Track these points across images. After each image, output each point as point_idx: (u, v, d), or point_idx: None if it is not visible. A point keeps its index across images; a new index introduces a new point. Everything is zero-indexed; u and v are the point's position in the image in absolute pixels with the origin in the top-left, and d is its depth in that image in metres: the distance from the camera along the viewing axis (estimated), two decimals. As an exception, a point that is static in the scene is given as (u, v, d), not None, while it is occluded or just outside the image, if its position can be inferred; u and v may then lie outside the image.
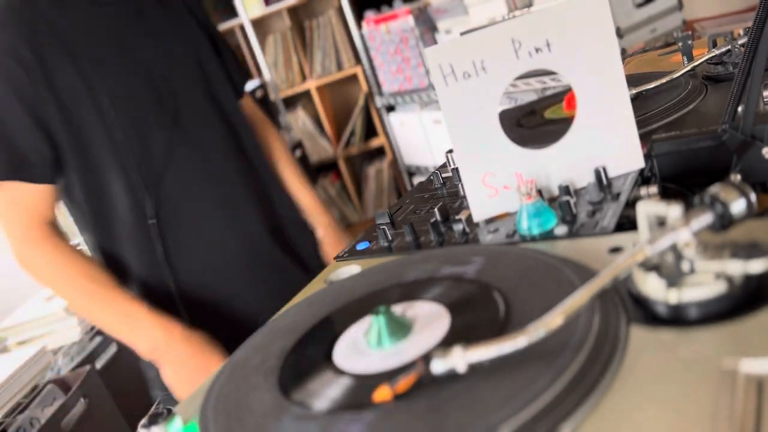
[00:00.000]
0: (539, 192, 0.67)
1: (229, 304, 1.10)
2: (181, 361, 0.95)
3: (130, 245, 1.04)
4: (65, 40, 0.98)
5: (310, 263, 1.19)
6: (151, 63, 1.05)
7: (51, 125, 0.97)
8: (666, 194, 0.71)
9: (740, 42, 0.92)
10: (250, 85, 3.18)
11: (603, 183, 0.68)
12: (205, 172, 1.08)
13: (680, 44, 1.04)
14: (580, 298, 0.42)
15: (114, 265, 1.06)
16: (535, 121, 1.00)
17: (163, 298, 1.05)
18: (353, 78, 3.34)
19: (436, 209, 0.75)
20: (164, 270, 1.05)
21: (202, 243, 1.08)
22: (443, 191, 0.88)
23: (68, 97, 0.97)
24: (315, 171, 3.53)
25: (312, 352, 0.53)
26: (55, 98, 0.96)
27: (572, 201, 0.65)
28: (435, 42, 2.72)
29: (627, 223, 0.61)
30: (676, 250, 0.43)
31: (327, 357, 0.51)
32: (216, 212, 1.09)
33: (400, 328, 0.50)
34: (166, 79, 1.06)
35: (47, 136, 0.97)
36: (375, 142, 3.39)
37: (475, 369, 0.42)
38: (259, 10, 3.31)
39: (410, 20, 2.73)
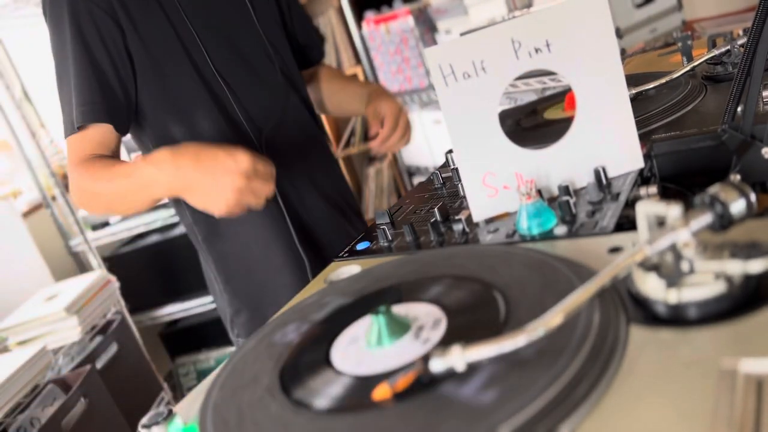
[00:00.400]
0: (539, 192, 0.67)
1: (328, 243, 1.14)
2: (186, 180, 0.88)
3: None
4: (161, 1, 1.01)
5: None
6: (240, 27, 1.09)
7: (139, 75, 1.00)
8: (665, 194, 0.72)
9: (739, 42, 0.92)
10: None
11: (603, 183, 0.68)
12: (292, 134, 1.13)
13: (680, 44, 1.05)
14: (579, 297, 0.42)
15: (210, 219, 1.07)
16: (535, 121, 1.00)
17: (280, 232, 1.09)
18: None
19: (436, 209, 0.75)
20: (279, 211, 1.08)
21: (302, 189, 1.12)
22: (443, 191, 0.88)
23: (159, 48, 1.00)
24: (315, 171, 3.52)
25: (312, 352, 0.53)
26: (145, 48, 0.99)
27: (572, 201, 0.65)
28: (435, 42, 2.72)
29: (626, 223, 0.61)
30: (676, 250, 0.43)
31: (327, 357, 0.51)
32: (305, 166, 1.13)
33: (400, 328, 0.50)
34: (254, 42, 1.10)
35: (134, 89, 1.01)
36: (375, 143, 3.38)
37: (475, 368, 0.42)
38: (259, 10, 3.30)
39: (410, 20, 2.73)
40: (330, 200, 1.18)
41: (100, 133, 0.99)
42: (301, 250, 1.10)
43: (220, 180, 0.85)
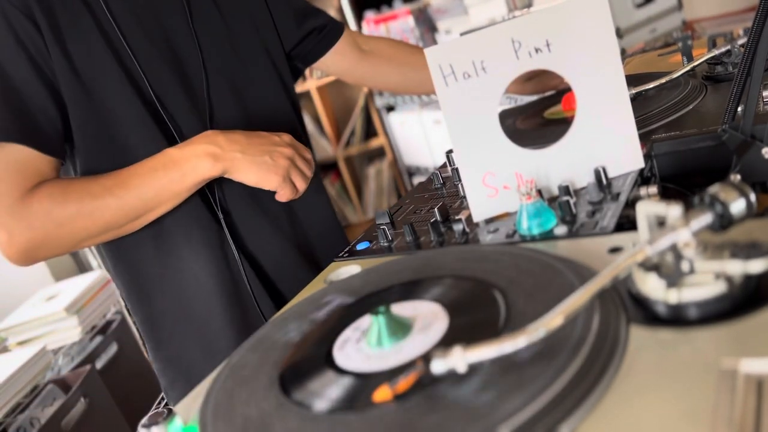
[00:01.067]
0: (539, 192, 0.67)
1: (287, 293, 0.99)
2: (238, 152, 0.84)
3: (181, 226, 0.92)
4: (90, 4, 0.86)
5: None
6: (180, 42, 0.94)
7: (64, 92, 0.84)
8: (666, 194, 0.72)
9: (740, 42, 0.92)
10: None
11: (603, 183, 0.68)
12: None
13: (680, 44, 1.05)
14: (579, 297, 0.42)
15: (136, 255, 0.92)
16: (535, 121, 1.00)
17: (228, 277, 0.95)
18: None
19: (436, 209, 0.75)
20: (228, 251, 0.95)
21: (257, 227, 0.97)
22: (443, 191, 0.88)
23: (87, 64, 0.86)
24: (315, 171, 3.52)
25: (312, 352, 0.53)
26: (70, 63, 0.84)
27: (572, 201, 0.65)
28: (435, 42, 2.72)
29: (627, 223, 0.61)
30: (676, 250, 0.43)
31: (327, 357, 0.51)
32: (264, 200, 0.96)
33: (400, 328, 0.50)
34: (193, 55, 0.95)
35: (59, 105, 0.85)
36: (375, 143, 3.39)
37: (475, 369, 0.42)
38: (259, 10, 3.30)
39: (410, 20, 2.73)
40: (296, 242, 1.01)
41: (26, 155, 0.81)
42: (259, 305, 0.94)
43: (271, 149, 0.85)
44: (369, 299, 0.59)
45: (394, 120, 3.14)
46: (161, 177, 0.83)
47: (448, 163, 0.93)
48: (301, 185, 0.88)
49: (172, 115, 0.91)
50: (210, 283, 0.93)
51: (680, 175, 0.74)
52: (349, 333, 0.54)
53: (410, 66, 1.21)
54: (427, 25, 2.77)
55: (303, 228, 1.03)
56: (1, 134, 0.80)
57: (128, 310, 0.99)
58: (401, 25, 2.77)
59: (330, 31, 1.16)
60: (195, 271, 0.93)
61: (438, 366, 0.42)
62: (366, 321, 0.54)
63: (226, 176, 0.86)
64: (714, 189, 0.45)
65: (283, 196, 0.88)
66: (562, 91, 1.11)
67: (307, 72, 3.41)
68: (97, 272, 2.03)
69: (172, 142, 0.89)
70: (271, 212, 0.98)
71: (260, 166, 0.85)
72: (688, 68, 0.93)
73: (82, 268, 2.43)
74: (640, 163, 0.70)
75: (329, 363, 0.50)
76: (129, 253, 0.92)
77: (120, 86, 0.87)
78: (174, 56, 0.92)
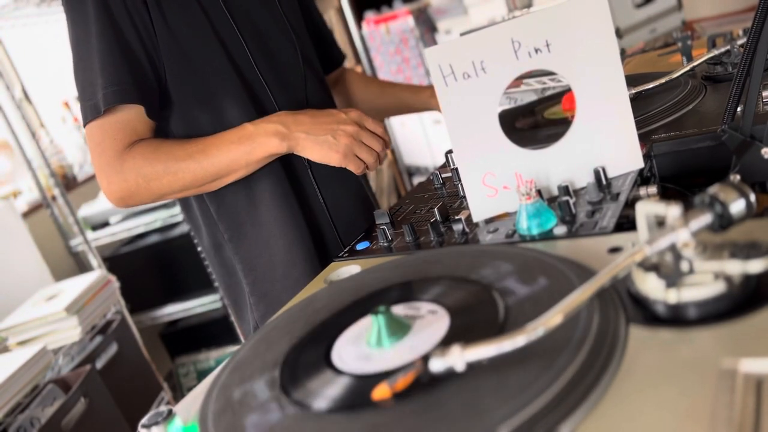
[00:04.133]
0: (539, 192, 0.67)
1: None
2: (303, 131, 0.92)
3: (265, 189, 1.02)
4: None
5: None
6: (266, 12, 1.05)
7: (165, 60, 0.94)
8: (665, 194, 0.72)
9: (739, 42, 0.93)
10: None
11: (602, 183, 0.68)
12: None
13: (680, 44, 1.05)
14: (578, 296, 0.42)
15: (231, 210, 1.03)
16: (535, 121, 1.00)
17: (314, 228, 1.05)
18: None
19: (436, 209, 0.75)
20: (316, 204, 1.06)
21: (332, 186, 1.08)
22: (443, 191, 0.88)
23: (187, 34, 0.95)
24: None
25: (312, 352, 0.53)
26: (171, 33, 0.94)
27: (572, 201, 0.65)
28: (435, 42, 2.73)
29: (626, 223, 0.61)
30: (676, 250, 0.43)
31: (327, 357, 0.51)
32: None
33: (400, 328, 0.50)
34: (279, 27, 1.05)
35: (158, 75, 0.95)
36: (375, 142, 3.38)
37: (474, 368, 0.42)
38: (259, 10, 3.30)
39: (410, 20, 2.73)
40: (358, 196, 1.14)
41: (130, 117, 0.92)
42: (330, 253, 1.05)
43: (334, 128, 0.92)
44: (370, 299, 0.59)
45: (394, 120, 3.13)
46: (235, 149, 0.92)
47: (448, 163, 0.93)
48: (369, 158, 0.94)
49: (266, 80, 1.01)
50: (291, 234, 1.02)
51: (680, 175, 0.74)
52: (349, 332, 0.54)
53: (370, 98, 1.34)
54: (427, 25, 2.77)
55: (366, 187, 1.16)
56: (125, 97, 0.90)
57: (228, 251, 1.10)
58: (401, 25, 2.77)
59: (336, 57, 1.29)
60: (279, 222, 1.03)
61: (436, 364, 0.42)
62: (366, 321, 0.54)
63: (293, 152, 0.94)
64: (714, 189, 0.45)
65: (352, 170, 0.95)
66: (562, 92, 1.11)
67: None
68: (97, 272, 2.02)
69: (259, 107, 0.99)
70: (344, 171, 1.05)
71: (322, 145, 0.92)
72: (687, 68, 0.93)
73: (82, 268, 2.43)
74: (639, 163, 0.70)
75: (329, 363, 0.50)
76: (227, 201, 1.03)
77: (217, 55, 0.97)
78: (262, 31, 1.03)
